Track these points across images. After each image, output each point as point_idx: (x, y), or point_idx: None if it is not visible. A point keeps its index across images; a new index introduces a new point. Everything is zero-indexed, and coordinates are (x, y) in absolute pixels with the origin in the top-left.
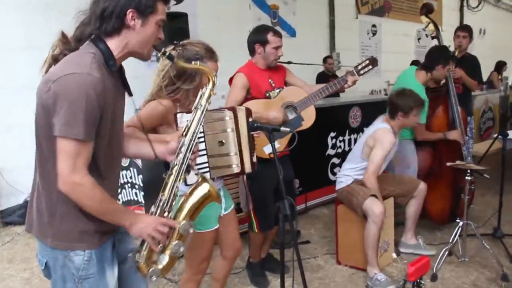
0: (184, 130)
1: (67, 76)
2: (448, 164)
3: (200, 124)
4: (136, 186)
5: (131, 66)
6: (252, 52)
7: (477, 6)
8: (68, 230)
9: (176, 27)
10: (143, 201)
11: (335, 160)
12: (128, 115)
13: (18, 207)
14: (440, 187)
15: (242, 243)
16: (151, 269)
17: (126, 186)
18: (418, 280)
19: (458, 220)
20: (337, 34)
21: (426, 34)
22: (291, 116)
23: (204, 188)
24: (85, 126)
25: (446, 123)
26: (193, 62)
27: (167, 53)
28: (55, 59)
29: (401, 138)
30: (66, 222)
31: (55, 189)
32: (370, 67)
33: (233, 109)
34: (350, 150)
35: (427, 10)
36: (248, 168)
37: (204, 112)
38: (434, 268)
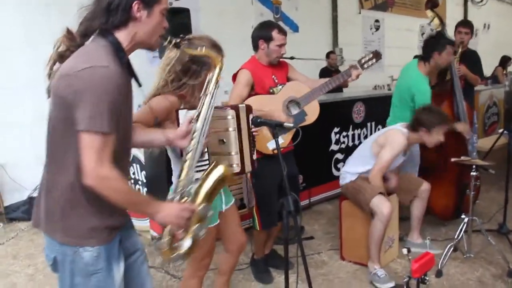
0: (196, 116)
1: (87, 69)
2: (452, 159)
3: (211, 109)
4: (140, 182)
5: (133, 63)
6: (255, 47)
7: (481, 1)
8: (79, 226)
9: (178, 22)
10: None
11: (339, 156)
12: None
13: (22, 203)
14: (445, 183)
15: (246, 236)
16: (175, 254)
17: (129, 182)
18: (423, 277)
19: (463, 216)
20: (340, 29)
21: (431, 29)
22: (295, 111)
23: (218, 171)
24: (108, 118)
25: (451, 118)
26: (198, 48)
27: (174, 41)
28: (60, 56)
29: None
30: (77, 218)
31: (68, 185)
32: (374, 60)
33: (235, 108)
34: (353, 145)
35: (432, 4)
36: (248, 167)
37: (213, 97)
38: (439, 264)
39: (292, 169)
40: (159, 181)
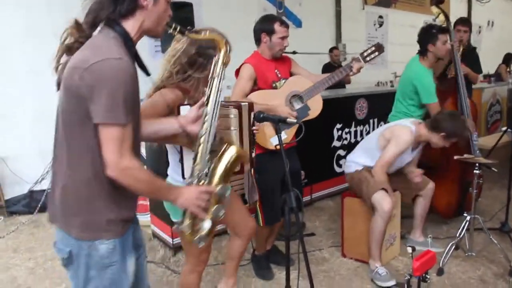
0: (206, 100)
1: (100, 62)
2: (455, 157)
3: (220, 91)
4: None
5: None
6: (258, 41)
7: None
8: (96, 220)
9: (181, 17)
10: None
11: (341, 152)
12: None
13: (23, 197)
14: (447, 181)
15: (253, 220)
16: (197, 236)
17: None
18: (424, 275)
19: (465, 214)
20: (343, 25)
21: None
22: (298, 106)
23: (231, 151)
24: (125, 109)
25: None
26: (202, 33)
27: (178, 28)
28: (68, 48)
29: None
30: (94, 212)
31: (85, 179)
32: (376, 53)
33: (238, 107)
34: (356, 142)
35: (437, 0)
36: (247, 166)
37: (221, 79)
38: (441, 262)
39: (294, 165)
40: (161, 174)
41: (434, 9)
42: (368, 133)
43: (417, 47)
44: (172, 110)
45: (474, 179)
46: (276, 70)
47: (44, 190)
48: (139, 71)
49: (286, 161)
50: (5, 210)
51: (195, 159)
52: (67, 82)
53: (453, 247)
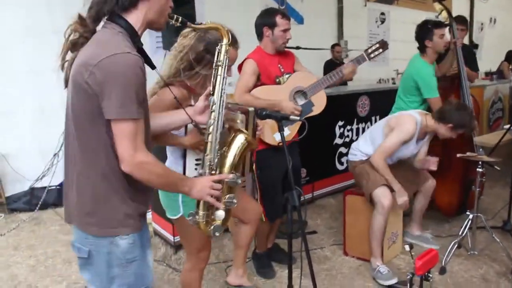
0: (211, 89)
1: (110, 57)
2: (458, 155)
3: (225, 79)
4: None
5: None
6: (260, 35)
7: None
8: (114, 216)
9: (183, 13)
10: None
11: (343, 150)
12: None
13: (24, 194)
14: (450, 179)
15: (258, 205)
16: (212, 227)
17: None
18: (426, 274)
19: (468, 213)
20: (345, 21)
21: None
22: (301, 101)
23: (240, 139)
24: (137, 103)
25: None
26: (203, 22)
27: (181, 19)
28: (73, 44)
29: None
30: (111, 208)
31: (100, 176)
32: (381, 50)
33: (245, 112)
34: (358, 139)
35: None
36: (246, 171)
37: (225, 68)
38: (443, 261)
39: (295, 161)
40: None
41: (437, 6)
42: None
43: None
44: (177, 107)
45: (477, 177)
46: (279, 65)
47: (45, 187)
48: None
49: (288, 159)
50: (5, 207)
51: (205, 149)
52: (76, 79)
53: (456, 245)
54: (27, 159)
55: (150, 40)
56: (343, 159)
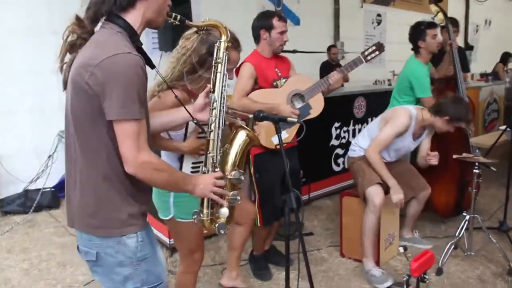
0: (212, 87)
1: (111, 58)
2: (454, 156)
3: (225, 76)
4: None
5: None
6: (257, 38)
7: None
8: (117, 216)
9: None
10: None
11: (339, 151)
12: None
13: (17, 196)
14: (446, 180)
15: (253, 206)
16: (217, 224)
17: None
18: (423, 275)
19: (464, 214)
20: (342, 23)
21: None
22: (299, 105)
23: (242, 135)
24: (139, 103)
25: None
26: (202, 20)
27: (179, 17)
28: (72, 46)
29: None
30: (114, 209)
31: (102, 177)
32: (377, 52)
33: (245, 120)
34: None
35: None
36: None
37: (225, 65)
38: (440, 262)
39: (294, 165)
40: None
41: (433, 8)
42: None
43: None
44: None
45: (473, 178)
46: (276, 69)
47: (39, 189)
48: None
49: (286, 161)
50: None
51: (207, 147)
52: (76, 80)
53: (452, 246)
54: (21, 161)
55: (147, 41)
56: (340, 161)
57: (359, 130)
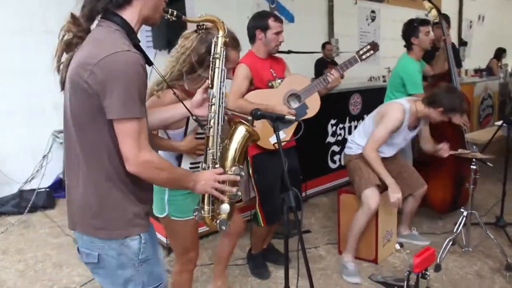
0: (210, 82)
1: (110, 56)
2: (451, 152)
3: (223, 71)
4: None
5: None
6: (252, 38)
7: None
8: (121, 217)
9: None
10: None
11: (335, 148)
12: None
13: (12, 197)
14: (442, 176)
15: (242, 219)
16: (218, 221)
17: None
18: (423, 272)
19: (462, 210)
20: (336, 20)
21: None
22: (295, 105)
23: (241, 131)
24: (140, 102)
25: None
26: (198, 16)
27: (175, 13)
28: (68, 45)
29: None
30: (118, 209)
31: (104, 177)
32: (372, 52)
33: (245, 120)
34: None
35: None
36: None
37: (223, 60)
38: (438, 258)
39: (293, 164)
40: None
41: (427, 4)
42: None
43: None
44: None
45: (471, 174)
46: (271, 69)
47: (34, 190)
48: None
49: (284, 160)
50: None
51: (207, 143)
52: (74, 80)
53: (450, 242)
54: (15, 161)
55: (141, 39)
56: (336, 158)
57: (355, 127)
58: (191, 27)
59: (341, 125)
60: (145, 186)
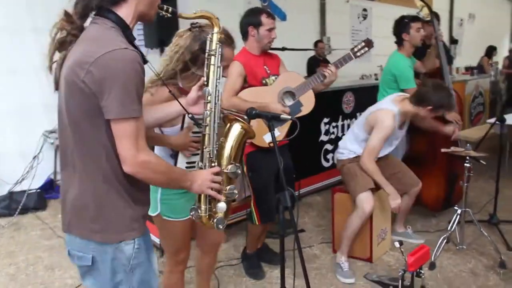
0: (205, 80)
1: (107, 54)
2: (442, 150)
3: (219, 68)
4: None
5: None
6: (245, 35)
7: None
8: (118, 220)
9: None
10: None
11: (328, 147)
12: None
13: (2, 198)
14: (435, 174)
15: (222, 234)
16: (215, 220)
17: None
18: (418, 270)
19: (456, 208)
20: (328, 18)
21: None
22: (289, 102)
23: (236, 128)
24: (138, 101)
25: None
26: (194, 12)
27: (171, 9)
28: (61, 43)
29: None
30: (115, 212)
31: (101, 179)
32: (366, 49)
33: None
34: (343, 136)
35: None
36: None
37: (218, 57)
38: (433, 256)
39: (287, 162)
40: None
41: (418, 2)
42: None
43: None
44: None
45: (465, 172)
46: (265, 66)
47: (24, 191)
48: None
49: (280, 159)
50: None
51: (203, 141)
52: (70, 79)
53: (445, 240)
54: (5, 162)
55: None
56: (329, 156)
57: (348, 125)
58: (183, 26)
59: (334, 124)
60: (143, 187)
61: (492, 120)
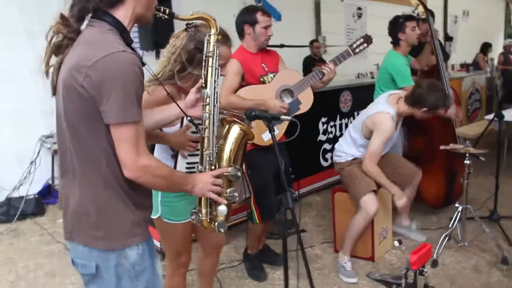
0: (203, 82)
1: (106, 57)
2: (441, 147)
3: (217, 70)
4: None
5: None
6: (241, 34)
7: None
8: (121, 226)
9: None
10: None
11: (327, 146)
12: None
13: (0, 204)
14: (434, 172)
15: (223, 236)
16: (216, 223)
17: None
18: (421, 268)
19: (457, 205)
20: (323, 17)
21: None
22: (288, 100)
23: (236, 130)
24: (137, 104)
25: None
26: (191, 13)
27: (168, 11)
28: (57, 47)
29: None
30: (117, 218)
31: (102, 184)
32: (365, 45)
33: (242, 120)
34: (341, 135)
35: None
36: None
37: (216, 59)
38: (435, 254)
39: (284, 161)
40: None
41: (413, 1)
42: None
43: None
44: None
45: (465, 169)
46: (262, 64)
47: (22, 197)
48: None
49: (280, 160)
50: None
51: (202, 144)
52: (68, 84)
53: (447, 238)
54: (2, 168)
55: None
56: (328, 156)
57: (346, 125)
58: (178, 27)
59: (332, 123)
60: (144, 191)
61: (490, 116)
